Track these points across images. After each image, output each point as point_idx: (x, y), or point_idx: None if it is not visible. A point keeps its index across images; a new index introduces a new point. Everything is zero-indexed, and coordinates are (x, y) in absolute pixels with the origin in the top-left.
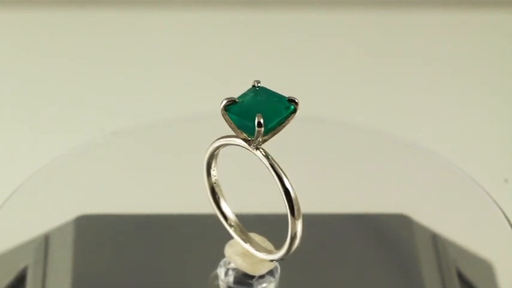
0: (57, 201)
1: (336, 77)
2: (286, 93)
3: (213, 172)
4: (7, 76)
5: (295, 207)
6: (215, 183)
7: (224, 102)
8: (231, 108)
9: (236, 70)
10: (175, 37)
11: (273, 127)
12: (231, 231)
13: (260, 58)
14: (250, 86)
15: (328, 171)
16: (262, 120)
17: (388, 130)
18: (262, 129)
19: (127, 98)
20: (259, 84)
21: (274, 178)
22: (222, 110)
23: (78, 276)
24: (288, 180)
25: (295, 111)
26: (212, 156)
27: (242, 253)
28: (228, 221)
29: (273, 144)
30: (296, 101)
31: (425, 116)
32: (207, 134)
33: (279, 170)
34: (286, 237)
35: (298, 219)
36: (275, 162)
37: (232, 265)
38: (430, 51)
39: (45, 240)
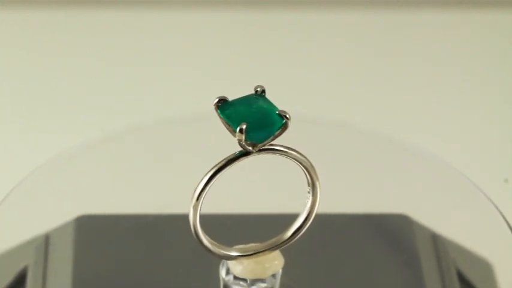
0: (57, 201)
1: (337, 78)
2: (287, 93)
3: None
4: (7, 76)
5: (314, 174)
6: (211, 245)
7: (239, 131)
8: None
9: (236, 70)
10: (175, 37)
11: (260, 137)
12: (242, 259)
13: (260, 58)
14: (249, 86)
15: (328, 172)
16: (288, 114)
17: (389, 131)
18: (243, 136)
19: (127, 98)
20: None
21: (289, 158)
22: (243, 139)
23: (78, 276)
24: (301, 154)
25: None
26: (208, 184)
27: (253, 262)
28: (238, 256)
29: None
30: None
31: (425, 116)
32: (208, 134)
33: (290, 150)
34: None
35: (318, 185)
36: (282, 146)
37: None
38: (430, 51)
39: (45, 240)
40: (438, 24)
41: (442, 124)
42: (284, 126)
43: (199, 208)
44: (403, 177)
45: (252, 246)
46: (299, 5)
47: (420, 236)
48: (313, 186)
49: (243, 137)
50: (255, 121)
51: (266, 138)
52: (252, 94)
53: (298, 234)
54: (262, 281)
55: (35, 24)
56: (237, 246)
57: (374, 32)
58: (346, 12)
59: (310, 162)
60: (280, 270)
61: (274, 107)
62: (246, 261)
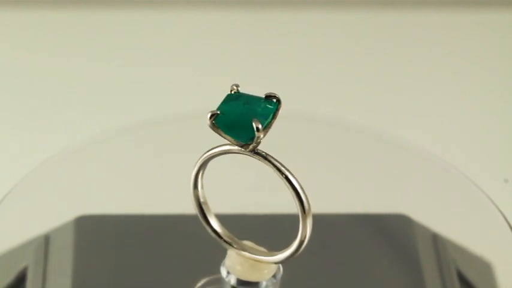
0: (57, 201)
1: (337, 77)
2: (287, 92)
3: (200, 184)
4: (6, 76)
5: (305, 204)
6: (203, 199)
7: (209, 116)
8: (219, 120)
9: (236, 70)
10: (175, 37)
11: (229, 134)
12: (225, 245)
13: (259, 58)
14: (249, 87)
15: (328, 172)
16: (260, 126)
17: (389, 130)
18: (262, 134)
19: (127, 97)
20: (238, 89)
21: (279, 177)
22: (210, 125)
23: (78, 276)
24: (294, 177)
25: (278, 106)
26: (201, 168)
27: (241, 261)
28: (221, 236)
29: (273, 145)
30: (276, 96)
31: (425, 116)
32: (208, 133)
33: (283, 168)
34: (283, 238)
35: (308, 217)
36: (277, 161)
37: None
38: (430, 51)
39: (45, 241)
40: (438, 24)
41: (442, 124)
42: (252, 138)
43: (199, 188)
44: (403, 177)
45: (253, 248)
46: (299, 5)
47: (420, 236)
48: (302, 220)
49: (209, 122)
50: (233, 117)
51: (236, 138)
52: (261, 96)
53: (287, 260)
54: (263, 281)
55: (35, 24)
56: (244, 241)
57: (374, 32)
58: (346, 12)
59: (304, 192)
60: (281, 272)
61: (264, 116)
62: (234, 256)
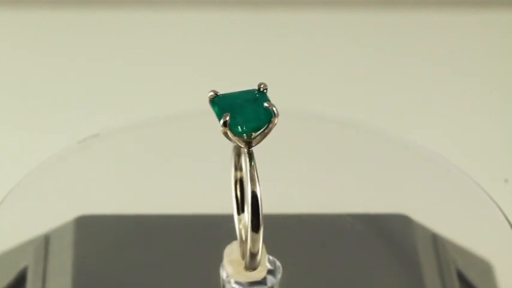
0: (57, 201)
1: (337, 77)
2: (287, 92)
3: (241, 167)
4: (6, 76)
5: (260, 224)
6: (241, 178)
7: (209, 93)
8: (216, 100)
9: (236, 70)
10: (175, 37)
11: (250, 130)
12: (237, 228)
13: (259, 58)
14: (249, 87)
15: (328, 171)
16: (228, 120)
17: (389, 130)
18: (228, 129)
19: (127, 97)
20: (262, 87)
21: (247, 186)
22: (208, 100)
23: (78, 276)
24: (260, 195)
25: (272, 118)
26: (235, 155)
27: (230, 253)
28: (240, 218)
29: (272, 144)
30: (273, 107)
31: (425, 116)
32: (208, 133)
33: (257, 182)
34: (285, 239)
35: (258, 235)
36: (256, 172)
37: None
38: (430, 51)
39: (45, 241)
40: (438, 24)
41: (442, 124)
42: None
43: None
44: (403, 177)
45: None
46: (299, 5)
47: (420, 236)
48: (252, 236)
49: (208, 97)
50: (227, 105)
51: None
52: (267, 102)
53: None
54: (263, 282)
55: (35, 24)
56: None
57: (374, 32)
58: (346, 12)
59: (262, 212)
60: (281, 272)
61: (246, 119)
62: (233, 246)
